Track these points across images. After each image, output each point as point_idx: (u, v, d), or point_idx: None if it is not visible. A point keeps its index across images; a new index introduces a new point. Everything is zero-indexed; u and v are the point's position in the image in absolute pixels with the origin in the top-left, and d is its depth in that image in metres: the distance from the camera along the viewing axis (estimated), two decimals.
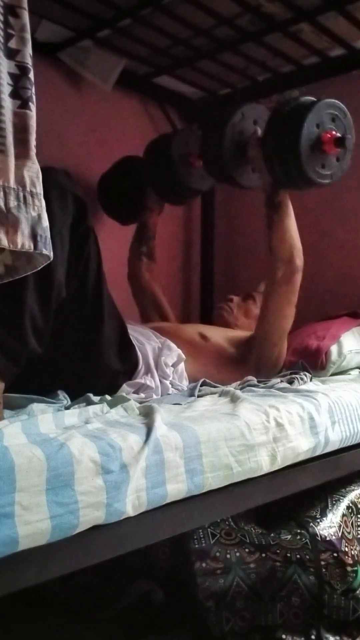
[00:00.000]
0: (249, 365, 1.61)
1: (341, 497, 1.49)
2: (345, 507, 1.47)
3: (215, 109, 1.74)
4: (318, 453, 1.24)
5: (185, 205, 2.35)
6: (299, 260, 1.59)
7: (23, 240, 0.80)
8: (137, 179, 2.00)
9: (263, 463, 1.08)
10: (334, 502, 1.47)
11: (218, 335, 1.70)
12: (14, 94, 0.79)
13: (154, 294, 2.02)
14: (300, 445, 1.17)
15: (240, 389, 1.38)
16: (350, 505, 1.49)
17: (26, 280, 1.04)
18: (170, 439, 0.94)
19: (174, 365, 1.49)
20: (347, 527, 1.44)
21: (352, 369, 1.81)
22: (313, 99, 1.52)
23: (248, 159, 1.63)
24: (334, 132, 1.49)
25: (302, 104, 1.49)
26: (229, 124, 1.62)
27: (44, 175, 1.13)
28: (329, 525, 1.41)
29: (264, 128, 1.58)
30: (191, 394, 1.36)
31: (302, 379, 1.50)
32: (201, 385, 1.42)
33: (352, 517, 1.47)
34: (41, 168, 1.15)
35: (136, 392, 1.36)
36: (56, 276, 1.11)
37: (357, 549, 1.41)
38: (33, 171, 0.82)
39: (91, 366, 1.26)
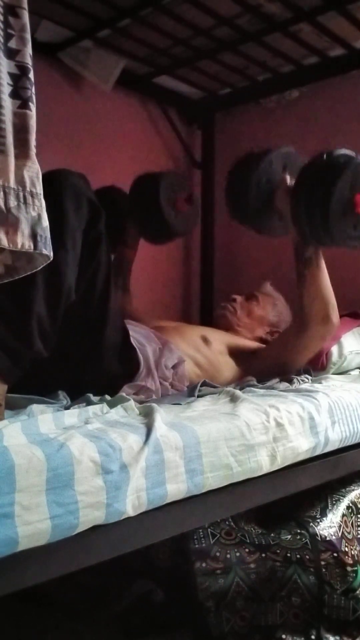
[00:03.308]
0: (253, 373, 1.60)
1: (341, 497, 1.49)
2: (345, 507, 1.47)
3: (245, 155, 1.59)
4: (318, 453, 1.24)
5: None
6: (335, 318, 1.49)
7: (23, 241, 0.80)
8: (116, 213, 1.90)
9: (263, 463, 1.08)
10: (334, 502, 1.47)
11: (221, 339, 1.69)
12: (14, 94, 0.79)
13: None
14: (300, 445, 1.17)
15: (240, 389, 1.38)
16: (350, 505, 1.49)
17: (35, 283, 1.03)
18: (170, 439, 0.94)
19: (175, 367, 1.48)
20: (347, 527, 1.44)
21: (352, 369, 1.81)
22: (349, 154, 1.39)
23: (274, 207, 1.53)
24: None
25: (336, 160, 1.37)
26: (256, 172, 1.52)
27: (61, 178, 1.13)
28: (329, 525, 1.41)
29: (294, 177, 1.47)
30: (191, 394, 1.36)
31: (303, 380, 1.50)
32: (201, 386, 1.41)
33: (352, 517, 1.47)
34: (58, 171, 1.15)
35: (136, 393, 1.36)
36: (66, 280, 1.10)
37: (357, 549, 1.41)
38: (33, 171, 0.81)
39: (92, 369, 1.26)
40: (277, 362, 1.59)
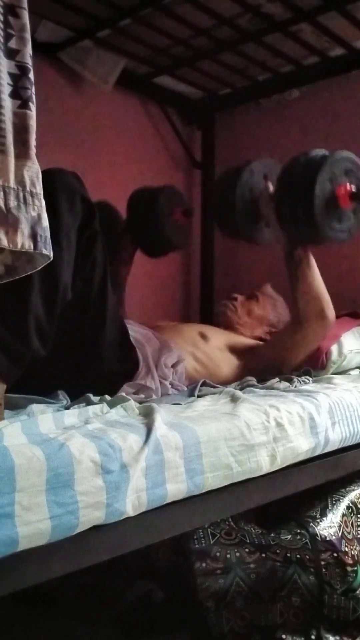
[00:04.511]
0: (252, 371, 1.60)
1: (341, 497, 1.49)
2: (345, 507, 1.47)
3: (225, 170, 1.62)
4: (318, 453, 1.24)
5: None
6: (330, 312, 1.50)
7: (23, 240, 0.80)
8: (109, 229, 1.88)
9: (263, 463, 1.08)
10: (334, 502, 1.47)
11: (219, 336, 1.70)
12: (14, 94, 0.79)
13: None
14: (300, 445, 1.17)
15: (240, 389, 1.38)
16: (350, 505, 1.49)
17: (31, 281, 1.03)
18: (170, 439, 0.94)
19: (174, 366, 1.49)
20: (347, 527, 1.44)
21: (352, 368, 1.81)
22: (325, 152, 1.42)
23: (261, 216, 1.54)
24: (348, 186, 1.39)
25: (313, 159, 1.39)
26: (238, 183, 1.53)
27: (54, 177, 1.13)
28: (329, 525, 1.41)
29: (275, 183, 1.48)
30: (191, 394, 1.36)
31: (304, 381, 1.50)
32: (201, 386, 1.41)
33: (352, 517, 1.47)
34: (51, 170, 1.15)
35: (136, 393, 1.36)
36: (62, 278, 1.10)
37: (357, 549, 1.41)
38: (33, 171, 0.81)
39: (92, 368, 1.26)
40: (275, 360, 1.60)
